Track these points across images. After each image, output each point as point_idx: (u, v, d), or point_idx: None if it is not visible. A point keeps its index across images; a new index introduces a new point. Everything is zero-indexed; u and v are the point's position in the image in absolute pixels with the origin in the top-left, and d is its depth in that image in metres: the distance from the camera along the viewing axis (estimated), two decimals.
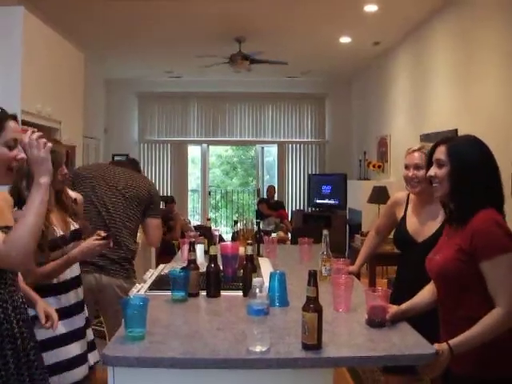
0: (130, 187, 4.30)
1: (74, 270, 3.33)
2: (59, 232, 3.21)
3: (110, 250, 3.93)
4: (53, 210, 3.25)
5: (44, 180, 2.37)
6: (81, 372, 3.18)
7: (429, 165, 2.69)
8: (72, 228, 3.35)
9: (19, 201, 3.04)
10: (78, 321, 3.27)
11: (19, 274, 2.62)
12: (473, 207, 2.49)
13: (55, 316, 2.75)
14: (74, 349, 3.15)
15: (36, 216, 2.35)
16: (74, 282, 3.31)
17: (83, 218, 3.66)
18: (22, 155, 2.43)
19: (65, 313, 3.13)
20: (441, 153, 2.59)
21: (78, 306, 3.31)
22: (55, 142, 3.32)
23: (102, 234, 3.32)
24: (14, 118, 2.45)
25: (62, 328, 3.07)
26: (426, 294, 2.83)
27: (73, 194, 3.61)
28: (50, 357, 2.99)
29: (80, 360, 3.20)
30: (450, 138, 2.72)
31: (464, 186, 2.52)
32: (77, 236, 3.38)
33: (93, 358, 3.38)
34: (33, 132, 2.41)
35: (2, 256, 2.24)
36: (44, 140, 2.39)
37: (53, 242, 3.14)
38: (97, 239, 3.28)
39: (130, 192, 4.28)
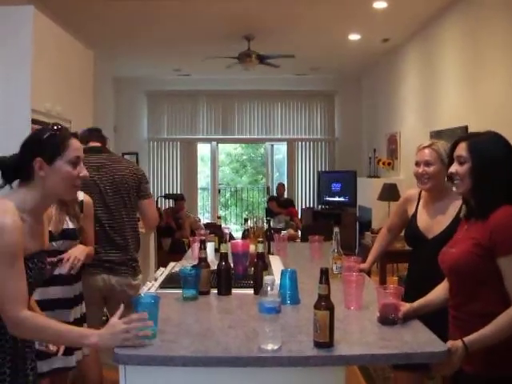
0: (120, 182, 4.18)
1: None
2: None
3: (116, 252, 3.98)
4: (53, 206, 3.27)
5: (92, 342, 2.31)
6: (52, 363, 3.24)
7: (450, 162, 2.67)
8: (64, 227, 3.38)
9: None
10: (64, 316, 3.33)
11: None
12: (493, 203, 2.47)
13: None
14: None
15: (49, 338, 2.44)
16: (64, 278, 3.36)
17: (85, 221, 3.65)
18: (85, 173, 2.49)
19: (49, 305, 3.20)
20: (462, 149, 2.58)
21: (66, 301, 3.42)
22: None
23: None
24: (75, 135, 2.50)
25: None
26: (439, 291, 2.82)
27: (81, 195, 3.62)
28: None
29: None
30: (471, 135, 2.72)
31: (485, 182, 2.50)
32: (69, 235, 3.40)
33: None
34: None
35: (10, 322, 2.24)
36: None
37: None
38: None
39: (122, 186, 4.19)
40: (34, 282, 2.44)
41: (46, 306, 3.06)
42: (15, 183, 2.42)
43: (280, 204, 12.27)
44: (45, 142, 2.38)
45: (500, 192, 2.47)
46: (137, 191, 4.26)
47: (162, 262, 4.50)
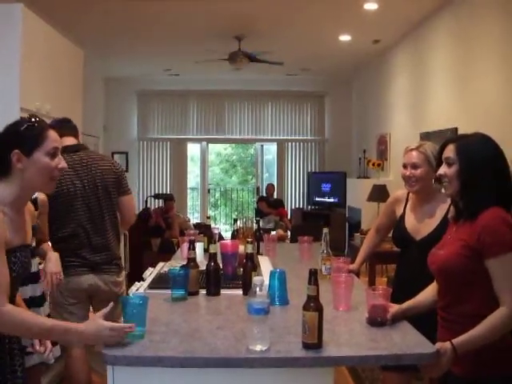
0: (100, 180, 4.06)
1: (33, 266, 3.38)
2: None
3: (100, 254, 3.97)
4: None
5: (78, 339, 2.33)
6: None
7: (438, 164, 2.67)
8: None
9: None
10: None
11: None
12: (482, 205, 2.47)
13: (49, 343, 2.75)
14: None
15: (34, 335, 2.45)
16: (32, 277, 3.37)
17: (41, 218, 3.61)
18: (63, 164, 2.47)
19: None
20: (450, 151, 2.57)
21: (34, 299, 3.45)
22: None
23: None
24: (53, 127, 2.49)
25: None
26: (428, 293, 2.82)
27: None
28: None
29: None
30: (459, 137, 2.72)
31: (473, 184, 2.50)
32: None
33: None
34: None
35: None
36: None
37: None
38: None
39: (102, 184, 4.06)
40: (18, 277, 2.42)
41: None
42: None
43: (270, 204, 12.26)
44: (22, 134, 2.37)
45: (488, 194, 2.48)
46: (117, 188, 4.15)
47: (150, 262, 4.50)
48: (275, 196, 13.32)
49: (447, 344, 2.38)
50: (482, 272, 2.42)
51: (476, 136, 2.64)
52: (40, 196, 3.60)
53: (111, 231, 4.14)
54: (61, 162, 2.45)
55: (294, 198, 14.32)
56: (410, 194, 3.67)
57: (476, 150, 2.53)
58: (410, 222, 3.60)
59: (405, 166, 3.55)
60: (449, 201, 3.26)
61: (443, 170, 2.59)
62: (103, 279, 4.04)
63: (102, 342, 2.28)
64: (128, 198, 4.27)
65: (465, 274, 2.47)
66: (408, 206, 3.67)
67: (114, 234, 4.19)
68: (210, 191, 15.48)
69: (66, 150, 3.76)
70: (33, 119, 2.44)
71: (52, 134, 2.44)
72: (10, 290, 2.33)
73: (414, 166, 3.49)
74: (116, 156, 13.16)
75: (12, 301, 2.42)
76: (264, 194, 13.26)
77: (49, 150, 2.39)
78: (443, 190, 2.64)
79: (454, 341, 2.39)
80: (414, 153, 3.52)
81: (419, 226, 3.52)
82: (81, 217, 3.97)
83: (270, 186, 13.20)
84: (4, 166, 2.36)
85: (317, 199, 13.34)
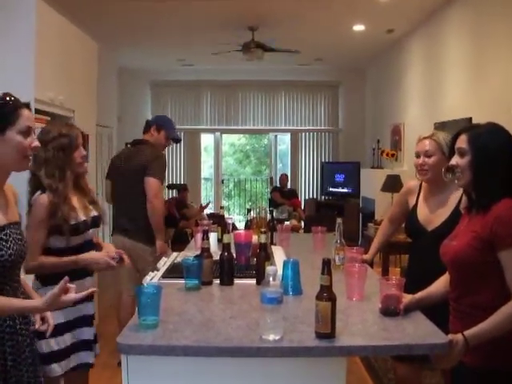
0: (137, 165, 5.12)
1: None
2: (81, 217, 3.23)
3: (129, 222, 5.06)
4: (73, 196, 3.27)
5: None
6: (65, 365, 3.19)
7: (451, 154, 2.66)
8: (91, 215, 3.37)
9: (40, 187, 3.09)
10: (84, 310, 3.32)
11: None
12: (494, 195, 2.45)
13: (51, 321, 2.75)
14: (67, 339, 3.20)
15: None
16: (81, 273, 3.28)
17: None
18: (37, 143, 2.46)
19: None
20: (462, 141, 2.56)
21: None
22: (67, 125, 3.34)
23: (115, 255, 3.34)
24: (27, 106, 2.47)
25: (60, 318, 3.09)
26: (441, 283, 2.81)
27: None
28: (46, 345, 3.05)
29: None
30: (471, 127, 2.68)
31: (485, 174, 2.48)
32: (96, 222, 3.41)
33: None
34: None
35: None
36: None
37: (75, 226, 3.17)
38: (110, 256, 3.31)
39: (137, 168, 5.09)
40: (15, 254, 2.42)
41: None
42: None
43: (283, 195, 12.28)
44: None
45: (500, 184, 2.46)
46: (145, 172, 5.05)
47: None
48: (289, 186, 13.32)
49: (459, 336, 2.38)
50: (494, 264, 2.41)
51: (488, 126, 2.62)
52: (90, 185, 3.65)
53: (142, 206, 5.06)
54: (34, 142, 2.44)
55: (307, 188, 14.30)
56: (423, 185, 3.66)
57: (488, 140, 2.51)
58: (422, 212, 3.59)
59: (417, 155, 3.54)
60: (461, 190, 3.26)
61: (455, 160, 2.58)
62: (132, 244, 5.05)
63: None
64: (150, 179, 5.05)
65: (476, 265, 2.46)
66: (421, 196, 3.66)
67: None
68: (224, 182, 15.48)
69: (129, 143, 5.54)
70: (7, 97, 2.41)
71: (26, 113, 2.42)
72: (7, 273, 2.38)
73: (427, 155, 3.47)
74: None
75: (15, 280, 2.44)
76: (278, 185, 13.26)
77: (22, 129, 2.38)
78: (456, 181, 2.62)
79: (466, 333, 2.39)
80: (427, 141, 3.51)
81: (431, 216, 3.52)
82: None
83: (284, 177, 13.20)
84: None
85: (330, 189, 13.33)
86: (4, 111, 2.37)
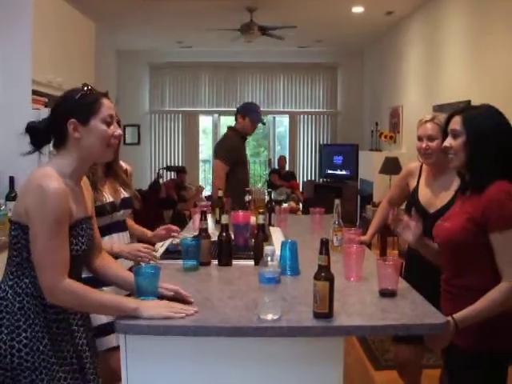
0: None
1: (123, 239, 3.43)
2: (109, 198, 3.24)
3: None
4: (104, 180, 3.29)
5: (132, 307, 2.30)
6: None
7: (444, 135, 2.65)
8: (122, 196, 3.38)
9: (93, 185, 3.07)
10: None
11: None
12: (488, 177, 2.46)
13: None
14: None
15: (89, 306, 2.34)
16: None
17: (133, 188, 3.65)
18: (119, 131, 2.47)
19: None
20: (456, 123, 2.56)
21: None
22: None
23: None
24: (106, 95, 2.48)
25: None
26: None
27: (123, 164, 3.62)
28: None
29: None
30: (464, 108, 2.67)
31: (479, 155, 2.48)
32: (127, 204, 3.41)
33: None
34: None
35: (47, 291, 2.22)
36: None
37: (101, 207, 3.17)
38: (144, 247, 3.32)
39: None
40: (87, 250, 2.45)
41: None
42: (47, 150, 2.43)
43: (282, 177, 12.29)
44: (78, 102, 2.34)
45: (494, 165, 2.47)
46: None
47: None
48: (287, 168, 13.33)
49: (449, 318, 2.39)
50: (485, 246, 2.43)
51: (482, 108, 2.62)
52: (128, 167, 3.64)
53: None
54: (116, 130, 2.44)
55: (306, 170, 14.31)
56: (424, 167, 3.66)
57: (482, 122, 2.52)
58: (423, 195, 3.59)
59: (420, 139, 3.52)
60: None
61: (449, 141, 2.59)
62: None
63: (161, 312, 2.30)
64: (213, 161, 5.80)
65: (469, 247, 2.48)
66: (422, 178, 3.65)
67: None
68: None
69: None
70: (86, 87, 2.41)
71: (107, 102, 2.41)
72: (77, 265, 2.38)
73: (430, 138, 3.45)
74: (128, 129, 13.18)
75: (78, 278, 2.43)
76: (276, 167, 13.26)
77: (105, 118, 2.37)
78: (450, 163, 2.63)
79: (456, 316, 2.41)
80: (429, 125, 3.49)
81: (433, 199, 3.51)
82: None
83: (282, 159, 13.19)
84: (60, 137, 2.35)
85: (329, 172, 13.33)
86: (86, 101, 2.36)
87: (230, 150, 5.81)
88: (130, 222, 3.65)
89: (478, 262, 2.48)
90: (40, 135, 2.36)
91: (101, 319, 3.06)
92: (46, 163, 2.36)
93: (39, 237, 2.19)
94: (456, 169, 2.66)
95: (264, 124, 6.89)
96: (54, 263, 2.20)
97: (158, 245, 3.86)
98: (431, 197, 3.53)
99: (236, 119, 6.11)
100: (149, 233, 3.64)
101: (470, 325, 2.40)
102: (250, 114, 5.99)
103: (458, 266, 2.56)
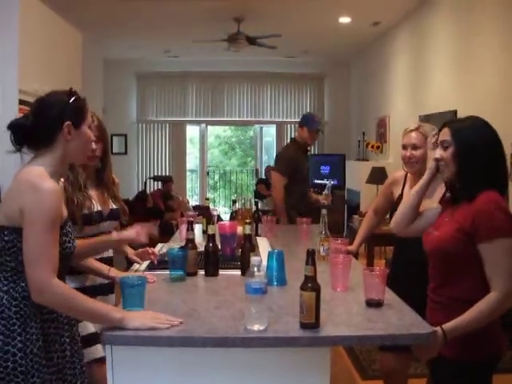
0: None
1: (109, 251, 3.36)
2: (97, 207, 3.22)
3: None
4: (93, 188, 3.28)
5: (118, 317, 2.29)
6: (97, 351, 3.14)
7: (435, 148, 2.70)
8: (110, 207, 3.36)
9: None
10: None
11: None
12: (477, 187, 2.48)
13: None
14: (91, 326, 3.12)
15: (75, 310, 2.32)
16: (107, 263, 3.27)
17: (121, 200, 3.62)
18: (93, 137, 2.59)
19: (92, 291, 3.13)
20: (445, 134, 2.59)
21: (106, 286, 3.30)
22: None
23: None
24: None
25: None
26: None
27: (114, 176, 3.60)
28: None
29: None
30: (454, 120, 2.74)
31: (469, 166, 2.50)
32: (115, 216, 3.38)
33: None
34: None
35: (36, 287, 2.20)
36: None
37: (88, 216, 3.15)
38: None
39: None
40: (70, 251, 2.45)
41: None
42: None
43: (269, 186, 12.29)
44: (72, 106, 2.39)
45: (484, 176, 2.49)
46: None
47: (149, 244, 4.54)
48: None
49: (437, 329, 2.40)
50: (474, 256, 2.44)
51: (470, 119, 2.66)
52: (115, 180, 3.59)
53: None
54: (91, 135, 2.50)
55: None
56: (408, 176, 3.68)
57: (471, 133, 2.55)
58: None
59: (404, 147, 3.56)
60: None
61: (439, 153, 2.61)
62: None
63: (146, 323, 2.28)
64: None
65: (458, 256, 2.49)
66: (406, 187, 3.68)
67: None
68: (209, 173, 15.47)
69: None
70: (73, 90, 2.47)
71: (88, 107, 2.50)
72: (64, 265, 2.38)
73: (414, 147, 3.50)
74: (115, 138, 13.15)
75: (63, 279, 2.42)
76: (263, 177, 13.26)
77: (89, 123, 2.46)
78: (440, 174, 2.66)
79: (445, 326, 2.41)
80: (414, 134, 3.53)
81: None
82: None
83: (269, 169, 13.18)
84: (47, 137, 2.36)
85: (316, 181, 13.32)
86: (79, 105, 2.42)
87: (288, 161, 6.00)
88: None
89: (466, 272, 2.49)
90: (25, 134, 2.35)
91: (87, 329, 3.05)
92: (32, 162, 2.35)
93: (34, 234, 2.19)
94: (446, 180, 2.67)
95: (322, 132, 7.30)
96: (47, 259, 2.20)
97: (158, 247, 3.86)
98: None
99: (297, 131, 6.30)
100: (130, 251, 3.58)
101: (458, 335, 2.41)
102: (306, 124, 6.08)
103: (446, 275, 2.57)
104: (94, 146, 3.11)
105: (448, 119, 2.76)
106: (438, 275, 2.63)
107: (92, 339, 3.10)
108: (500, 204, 2.45)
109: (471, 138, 2.53)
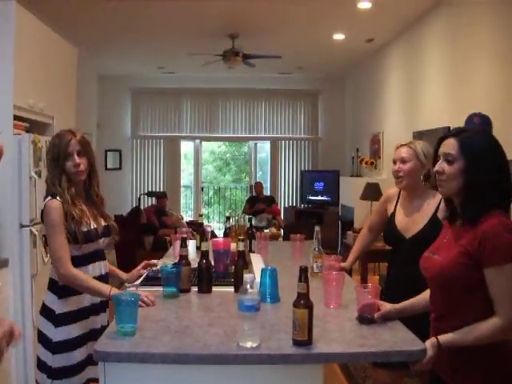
0: None
1: (102, 269, 3.32)
2: (93, 225, 3.21)
3: None
4: (83, 205, 3.25)
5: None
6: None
7: (435, 160, 2.48)
8: (102, 224, 3.35)
9: (50, 193, 3.12)
10: (95, 323, 3.24)
11: None
12: (484, 206, 2.31)
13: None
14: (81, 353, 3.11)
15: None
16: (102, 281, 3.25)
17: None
18: None
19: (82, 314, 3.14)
20: (451, 147, 2.38)
21: (97, 306, 3.28)
22: (58, 135, 3.33)
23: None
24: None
25: (75, 331, 3.08)
26: (424, 295, 2.67)
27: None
28: (59, 360, 3.01)
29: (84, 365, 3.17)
30: (460, 131, 2.46)
31: (477, 182, 2.32)
32: (108, 233, 3.37)
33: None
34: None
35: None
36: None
37: (86, 233, 3.14)
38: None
39: None
40: None
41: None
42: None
43: (261, 201, 12.34)
44: None
45: (490, 193, 2.32)
46: None
47: (143, 260, 4.54)
48: (268, 193, 13.43)
49: (433, 339, 2.36)
50: (479, 281, 2.30)
51: (478, 132, 2.49)
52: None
53: None
54: None
55: (287, 196, 14.33)
56: (402, 192, 3.70)
57: (482, 148, 2.36)
58: (400, 220, 3.62)
59: (394, 162, 3.60)
60: (438, 196, 3.28)
61: (441, 166, 2.41)
62: None
63: None
64: None
65: (463, 283, 2.34)
66: (398, 203, 3.69)
67: None
68: (204, 189, 15.47)
69: None
70: None
71: None
72: None
73: (403, 161, 3.53)
74: (109, 154, 13.18)
75: None
76: (253, 193, 13.24)
77: None
78: (439, 189, 2.48)
79: (441, 339, 2.35)
80: (404, 148, 3.57)
81: (410, 223, 3.54)
82: None
83: (259, 185, 13.13)
84: None
85: (310, 198, 13.36)
86: None
87: None
88: (111, 268, 3.56)
89: (471, 300, 2.35)
90: None
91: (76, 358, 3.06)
92: None
93: None
94: (445, 195, 2.51)
95: None
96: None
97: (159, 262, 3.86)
98: (408, 221, 3.56)
99: None
100: (124, 275, 3.56)
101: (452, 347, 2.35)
102: None
103: (450, 303, 2.42)
104: (77, 159, 3.13)
105: (440, 135, 2.57)
106: (442, 304, 2.47)
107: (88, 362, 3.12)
108: (508, 225, 2.28)
109: (483, 154, 2.34)
